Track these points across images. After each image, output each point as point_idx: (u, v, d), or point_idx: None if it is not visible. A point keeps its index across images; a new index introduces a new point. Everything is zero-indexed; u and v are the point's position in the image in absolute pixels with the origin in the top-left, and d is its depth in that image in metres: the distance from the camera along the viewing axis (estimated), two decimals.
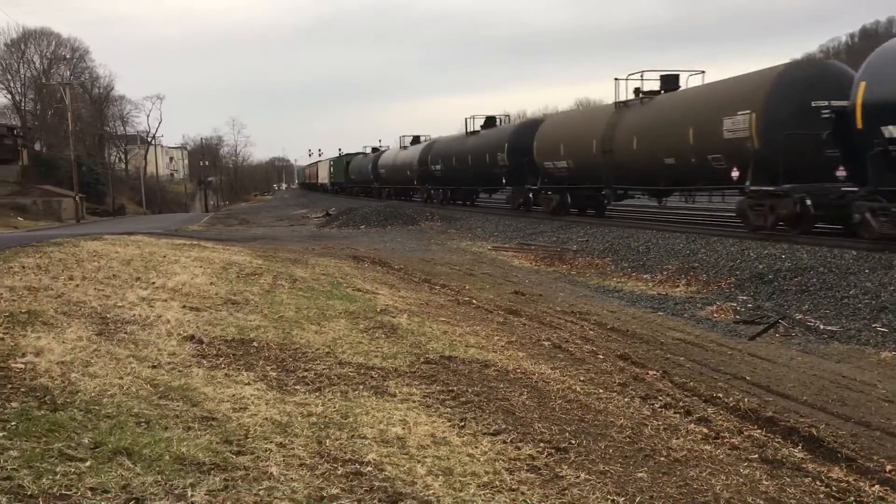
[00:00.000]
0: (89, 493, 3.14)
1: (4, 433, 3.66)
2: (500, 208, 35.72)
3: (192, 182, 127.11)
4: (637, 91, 23.51)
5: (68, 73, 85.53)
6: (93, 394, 4.47)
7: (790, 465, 4.84)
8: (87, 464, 3.44)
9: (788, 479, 4.57)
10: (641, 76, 23.34)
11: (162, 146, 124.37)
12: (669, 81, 22.94)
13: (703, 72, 22.24)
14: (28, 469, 3.28)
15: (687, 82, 22.68)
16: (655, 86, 23.04)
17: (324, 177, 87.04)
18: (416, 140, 51.28)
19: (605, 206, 27.70)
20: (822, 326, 10.82)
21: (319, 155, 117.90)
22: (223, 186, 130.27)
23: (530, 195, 30.69)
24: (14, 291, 7.14)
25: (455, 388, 5.63)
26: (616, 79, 23.88)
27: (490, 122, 37.50)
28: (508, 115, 48.99)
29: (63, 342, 5.50)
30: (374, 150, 65.00)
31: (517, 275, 16.71)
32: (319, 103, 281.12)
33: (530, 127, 31.06)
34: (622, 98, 23.87)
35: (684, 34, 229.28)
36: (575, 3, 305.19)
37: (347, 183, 70.06)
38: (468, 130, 37.54)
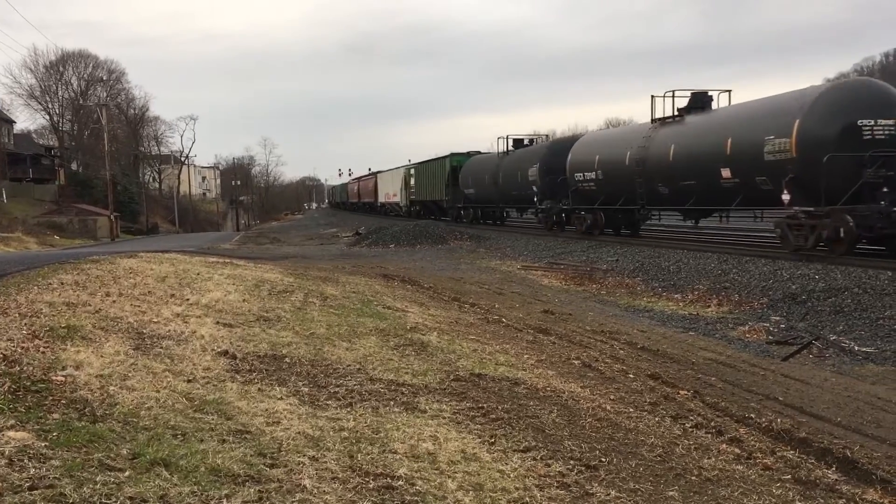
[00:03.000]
0: (128, 503, 3.21)
1: (47, 443, 3.75)
2: None
3: (223, 201, 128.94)
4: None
5: (105, 94, 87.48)
6: (130, 406, 4.57)
7: (824, 487, 4.79)
8: (126, 474, 3.51)
9: (822, 500, 4.53)
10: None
11: (195, 166, 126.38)
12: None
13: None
14: (69, 478, 3.36)
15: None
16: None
17: (391, 193, 60.53)
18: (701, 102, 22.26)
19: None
20: (856, 348, 10.66)
21: (350, 175, 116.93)
22: (254, 205, 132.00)
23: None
24: (53, 307, 7.31)
25: (485, 405, 5.65)
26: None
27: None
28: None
29: (101, 356, 5.62)
30: (520, 143, 37.42)
31: (547, 294, 16.69)
32: (349, 124, 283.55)
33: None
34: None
35: (719, 53, 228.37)
36: (610, 23, 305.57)
37: (453, 200, 43.59)
38: None
